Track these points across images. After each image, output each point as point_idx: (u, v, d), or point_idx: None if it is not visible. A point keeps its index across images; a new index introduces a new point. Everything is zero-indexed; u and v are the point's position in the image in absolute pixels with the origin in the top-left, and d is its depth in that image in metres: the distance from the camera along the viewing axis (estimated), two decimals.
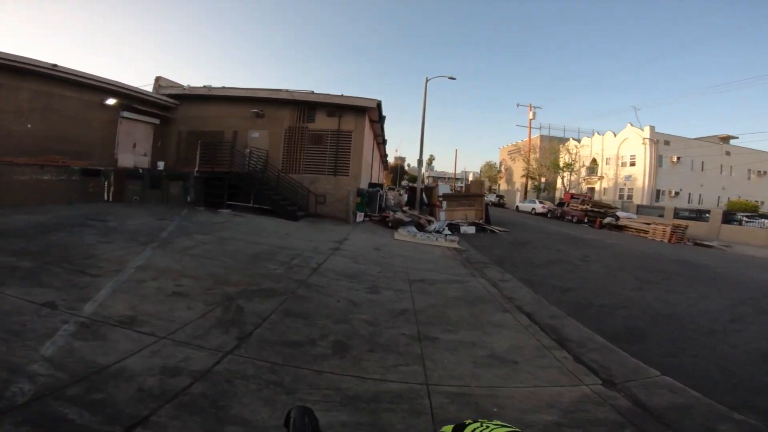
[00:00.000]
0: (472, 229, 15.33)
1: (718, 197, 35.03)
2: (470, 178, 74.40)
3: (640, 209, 28.88)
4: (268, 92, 16.31)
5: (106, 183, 13.86)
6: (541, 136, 44.25)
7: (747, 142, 35.24)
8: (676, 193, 34.21)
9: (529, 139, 40.97)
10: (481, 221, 17.14)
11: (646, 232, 20.80)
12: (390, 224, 14.04)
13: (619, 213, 24.49)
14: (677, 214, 25.80)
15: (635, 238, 19.70)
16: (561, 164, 36.31)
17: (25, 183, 11.51)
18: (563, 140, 43.17)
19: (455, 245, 11.89)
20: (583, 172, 37.93)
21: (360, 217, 14.39)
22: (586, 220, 25.04)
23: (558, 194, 42.05)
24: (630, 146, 35.20)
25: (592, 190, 37.73)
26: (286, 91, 16.41)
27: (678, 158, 34.18)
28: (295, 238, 9.84)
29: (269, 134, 16.53)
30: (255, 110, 16.25)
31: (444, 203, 16.60)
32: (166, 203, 14.93)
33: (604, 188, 37.38)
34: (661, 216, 26.26)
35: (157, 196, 15.00)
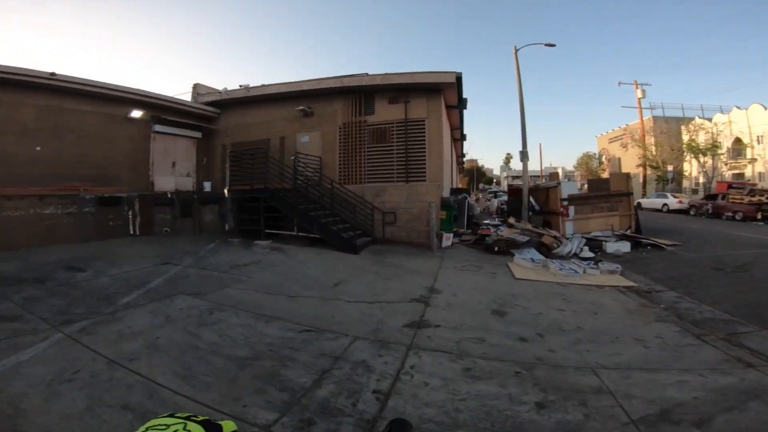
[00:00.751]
0: (624, 246, 9.86)
1: None
2: (560, 174, 65.37)
3: None
4: (313, 83, 12.76)
5: (130, 213, 11.22)
6: (655, 117, 35.68)
7: None
8: None
9: (641, 121, 32.82)
10: (630, 231, 11.48)
11: None
12: (496, 248, 9.26)
13: None
14: None
15: None
16: (698, 145, 27.76)
17: (20, 219, 9.06)
18: (683, 120, 34.20)
19: (625, 280, 6.81)
20: (724, 155, 28.84)
21: (447, 239, 9.85)
22: (759, 217, 17.47)
23: (687, 184, 33.13)
24: None
25: (740, 176, 28.53)
26: (335, 77, 12.68)
27: None
28: (346, 295, 5.69)
29: (321, 135, 12.91)
30: (301, 108, 12.77)
31: (571, 209, 11.31)
32: (199, 233, 11.93)
33: (759, 173, 27.96)
34: None
35: (189, 225, 12.09)
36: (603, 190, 11.68)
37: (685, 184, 33.72)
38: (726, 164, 29.09)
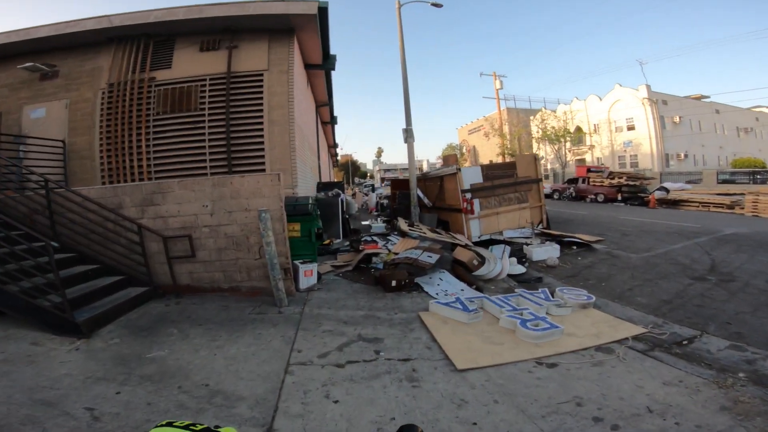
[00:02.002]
0: (554, 250, 7.20)
1: (718, 157, 31.19)
2: (424, 167, 67.27)
3: (665, 177, 22.97)
4: (57, 27, 7.11)
5: None
6: (508, 109, 37.96)
7: (720, 100, 32.52)
8: (685, 156, 29.32)
9: (499, 110, 34.22)
10: (542, 226, 9.11)
11: (727, 206, 14.22)
12: (393, 283, 5.37)
13: (668, 184, 17.91)
14: (721, 178, 20.05)
15: (720, 215, 12.96)
16: (554, 132, 29.68)
17: None
18: (531, 111, 37.27)
19: (619, 322, 3.81)
20: (570, 141, 31.86)
21: (309, 274, 5.49)
22: (619, 198, 18.34)
23: (541, 170, 36.09)
24: (623, 109, 29.81)
25: (582, 161, 31.91)
26: (98, 17, 7.25)
27: (680, 118, 29.35)
28: None
29: (69, 106, 7.23)
30: (30, 65, 6.91)
31: (476, 203, 8.26)
32: None
33: (597, 158, 31.73)
34: (699, 182, 20.43)
35: None
36: (507, 177, 9.10)
37: (540, 170, 36.78)
38: (570, 151, 32.14)
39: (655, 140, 27.86)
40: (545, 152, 33.47)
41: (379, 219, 13.25)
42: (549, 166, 34.25)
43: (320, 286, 5.69)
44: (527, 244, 7.53)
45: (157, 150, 6.90)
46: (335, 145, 24.28)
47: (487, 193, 8.52)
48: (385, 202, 16.57)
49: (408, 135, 9.88)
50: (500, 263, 5.94)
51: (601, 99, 31.59)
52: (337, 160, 33.46)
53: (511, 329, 4.01)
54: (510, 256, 6.67)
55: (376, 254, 6.81)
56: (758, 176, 18.91)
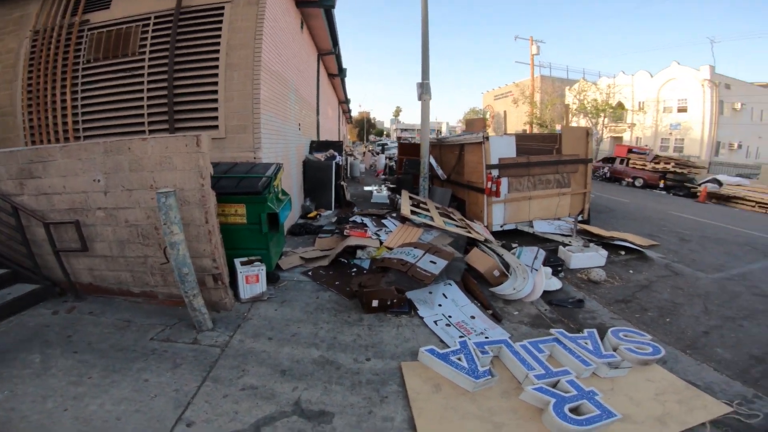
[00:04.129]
0: (599, 258, 5.45)
1: None
2: (443, 131, 63.16)
3: (713, 168, 20.34)
4: None
5: None
6: (542, 77, 34.37)
7: None
8: (738, 146, 26.10)
9: (533, 76, 30.85)
10: (583, 217, 7.26)
11: None
12: (375, 303, 3.74)
13: (722, 177, 15.49)
14: None
15: None
16: (595, 104, 26.55)
17: None
18: (568, 82, 33.64)
19: (699, 396, 2.35)
20: (605, 119, 28.70)
21: (253, 281, 3.81)
22: (661, 186, 16.03)
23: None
24: (678, 89, 26.17)
25: (619, 140, 28.91)
26: None
27: (741, 105, 25.71)
28: None
29: None
30: None
31: (504, 183, 6.42)
32: None
33: (637, 138, 28.63)
34: (754, 177, 17.82)
35: None
36: (546, 152, 7.15)
37: None
38: (606, 127, 29.08)
39: (709, 126, 24.62)
40: (579, 125, 30.45)
41: (384, 186, 11.50)
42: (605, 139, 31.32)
43: (273, 293, 4.08)
44: (564, 245, 5.77)
45: (87, 104, 5.21)
46: (347, 101, 21.86)
47: (520, 171, 6.62)
48: (394, 164, 14.73)
49: (423, 90, 7.84)
50: (531, 279, 4.24)
51: (652, 76, 27.91)
52: (350, 117, 31.08)
53: (538, 408, 2.49)
54: (547, 267, 4.96)
55: (363, 247, 5.16)
56: None
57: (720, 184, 14.71)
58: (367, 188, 11.83)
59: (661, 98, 27.27)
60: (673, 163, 16.13)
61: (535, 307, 4.22)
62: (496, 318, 3.86)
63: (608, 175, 18.71)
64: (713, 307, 4.48)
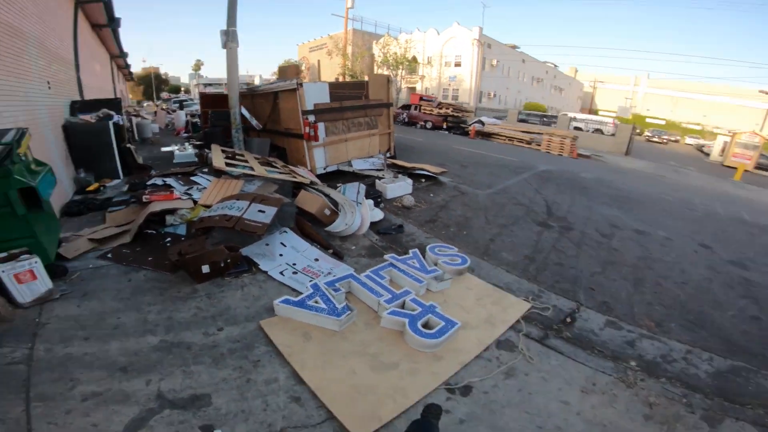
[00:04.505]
0: (406, 186, 6.32)
1: (515, 99, 37.07)
2: (256, 82, 58.54)
3: (478, 112, 25.90)
4: None
5: None
6: (354, 30, 35.38)
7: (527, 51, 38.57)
8: (494, 95, 33.66)
9: (346, 30, 31.39)
10: (390, 154, 8.16)
11: (527, 142, 16.81)
12: (206, 269, 3.30)
13: (484, 118, 19.94)
14: (519, 117, 23.68)
15: (524, 150, 15.18)
16: (397, 57, 29.27)
17: None
18: (376, 36, 35.90)
19: (503, 295, 3.14)
20: (403, 71, 32.31)
21: (29, 277, 2.76)
22: (445, 127, 19.62)
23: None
24: (456, 46, 31.40)
25: (413, 89, 33.13)
26: None
27: (497, 62, 32.83)
28: None
29: None
30: None
31: (321, 128, 6.48)
32: None
33: (426, 88, 33.40)
34: (504, 119, 23.73)
35: None
36: (356, 98, 7.56)
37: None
38: (403, 79, 32.75)
39: (475, 78, 30.87)
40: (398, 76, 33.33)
41: (188, 144, 10.03)
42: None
43: (66, 288, 3.14)
44: (379, 178, 6.43)
45: None
46: (122, 55, 17.29)
47: (335, 116, 6.82)
48: (198, 121, 12.95)
49: (229, 38, 6.90)
50: (359, 212, 4.59)
51: (439, 33, 32.50)
52: (130, 73, 24.98)
53: (397, 330, 2.84)
54: (366, 198, 5.42)
55: (172, 211, 4.46)
56: (545, 119, 23.11)
57: (483, 124, 18.94)
58: (165, 149, 10.07)
59: (444, 54, 32.26)
60: (451, 109, 19.73)
61: (368, 238, 4.63)
62: (338, 256, 4.05)
63: (406, 120, 21.35)
64: (491, 217, 5.84)
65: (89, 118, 6.97)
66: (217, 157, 5.45)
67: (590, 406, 2.36)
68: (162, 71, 50.14)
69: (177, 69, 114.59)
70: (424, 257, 3.91)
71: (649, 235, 5.95)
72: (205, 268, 3.35)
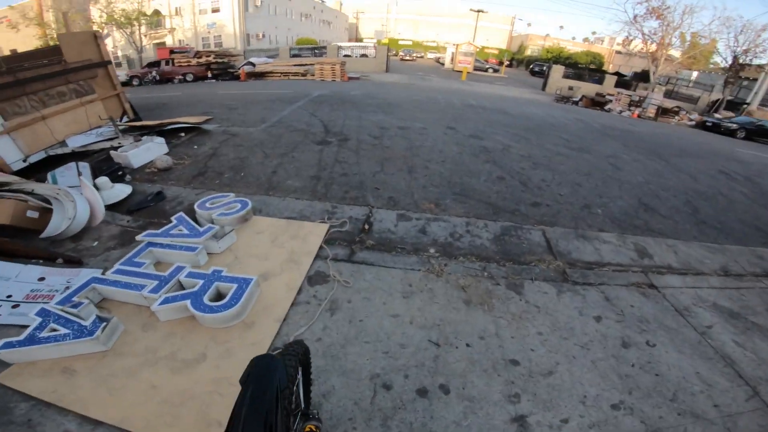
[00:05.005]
0: (160, 145, 5.14)
1: (286, 37, 35.72)
2: None
3: (248, 54, 23.90)
4: None
5: None
6: None
7: None
8: (263, 36, 31.24)
9: None
10: (128, 118, 6.49)
11: (302, 75, 16.68)
12: None
13: (253, 59, 18.47)
14: (292, 53, 22.91)
15: (300, 82, 15.09)
16: (123, 15, 22.87)
17: None
18: None
19: (308, 234, 3.02)
20: (142, 27, 26.26)
21: None
22: (210, 76, 17.51)
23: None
24: None
25: (162, 44, 27.77)
26: None
27: (261, 2, 30.10)
28: None
29: None
30: None
31: None
32: None
33: (179, 41, 28.32)
34: (277, 57, 22.66)
35: None
36: (49, 66, 5.44)
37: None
38: (146, 35, 26.88)
39: (238, 22, 27.82)
40: (114, 39, 26.39)
41: None
42: (120, 53, 27.91)
43: None
44: (115, 148, 5.04)
45: None
46: None
47: (12, 92, 4.75)
48: None
49: None
50: (81, 200, 3.40)
51: None
52: None
53: (187, 317, 2.29)
54: (98, 176, 4.12)
55: None
56: (317, 51, 22.96)
57: (254, 65, 17.60)
58: None
59: (197, 2, 27.56)
60: (213, 56, 17.51)
61: (114, 224, 3.55)
62: (74, 261, 2.94)
63: (158, 78, 17.93)
64: (269, 150, 5.42)
65: None
66: None
67: (417, 310, 2.43)
68: None
69: None
70: (195, 218, 3.26)
71: (409, 128, 6.71)
72: None
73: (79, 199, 3.50)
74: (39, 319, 2.20)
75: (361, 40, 48.34)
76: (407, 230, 3.45)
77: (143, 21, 24.75)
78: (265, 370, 0.87)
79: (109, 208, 3.84)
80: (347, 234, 3.29)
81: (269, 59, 19.52)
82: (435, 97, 10.95)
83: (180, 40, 28.14)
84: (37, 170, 5.04)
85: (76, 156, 5.23)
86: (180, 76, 17.40)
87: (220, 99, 10.11)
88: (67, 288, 2.64)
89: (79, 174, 4.21)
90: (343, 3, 56.85)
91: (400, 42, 52.57)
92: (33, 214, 3.35)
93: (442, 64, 32.79)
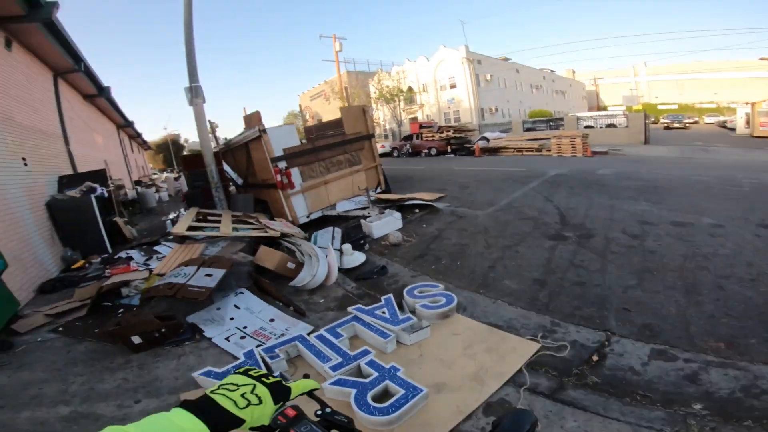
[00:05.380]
0: (395, 220, 5.67)
1: (519, 110, 36.60)
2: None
3: (482, 129, 25.44)
4: None
5: None
6: (348, 72, 36.65)
7: (519, 61, 39.42)
8: (496, 110, 33.35)
9: (339, 72, 32.50)
10: (381, 189, 7.64)
11: (536, 149, 16.04)
12: (137, 340, 2.92)
13: (487, 134, 19.36)
14: (525, 127, 22.99)
15: (534, 158, 14.35)
16: (389, 91, 29.81)
17: None
18: (370, 74, 36.91)
19: (511, 351, 2.27)
20: (404, 101, 32.66)
21: None
22: (449, 150, 19.08)
23: (379, 131, 36.44)
24: (447, 68, 31.75)
25: (414, 119, 33.34)
26: None
27: (491, 76, 32.86)
28: None
29: None
30: None
31: (295, 173, 6.08)
32: None
33: (427, 115, 33.49)
34: (510, 131, 23.08)
35: None
36: (331, 136, 7.21)
37: (378, 131, 37.16)
38: (404, 110, 33.06)
39: (472, 96, 30.75)
40: (384, 113, 33.67)
41: (184, 211, 9.88)
42: (387, 126, 34.87)
43: (7, 359, 3.21)
44: (366, 217, 5.85)
45: None
46: (128, 123, 18.17)
47: (309, 158, 6.42)
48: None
49: (194, 94, 6.81)
50: (324, 261, 3.99)
51: (428, 59, 33.04)
52: (144, 142, 26.33)
53: (344, 401, 2.17)
54: (345, 242, 4.84)
55: (127, 282, 4.04)
56: (552, 123, 22.26)
57: (487, 140, 18.36)
58: (171, 216, 9.99)
59: (437, 78, 32.53)
60: (452, 131, 19.37)
61: (342, 287, 4.02)
62: (300, 312, 3.49)
63: (410, 150, 20.99)
64: (492, 239, 5.04)
65: (74, 193, 6.91)
66: (181, 222, 5.08)
67: None
68: (183, 137, 52.47)
69: (194, 134, 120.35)
70: (402, 302, 3.24)
71: (691, 225, 4.98)
72: (136, 339, 3.03)
73: (323, 261, 4.06)
74: (242, 359, 2.60)
75: (604, 108, 43.89)
76: (664, 373, 2.30)
77: (402, 97, 30.60)
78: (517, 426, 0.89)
79: (345, 271, 4.35)
80: (562, 362, 2.48)
81: (502, 134, 20.05)
82: (731, 176, 8.06)
83: (427, 115, 33.14)
84: (312, 226, 6.46)
85: (339, 219, 6.40)
86: (426, 150, 19.85)
87: (456, 176, 10.72)
88: (282, 335, 3.02)
89: (333, 238, 5.00)
90: (575, 71, 54.03)
91: (660, 107, 44.63)
92: (291, 265, 4.09)
93: (732, 129, 24.62)
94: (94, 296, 3.90)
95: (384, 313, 3.07)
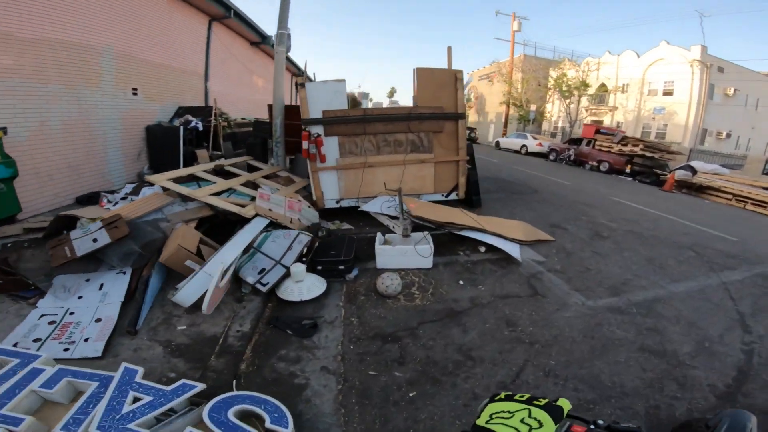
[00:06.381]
0: (422, 260, 3.70)
1: (766, 143, 25.28)
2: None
3: (695, 155, 18.44)
4: None
5: None
6: (525, 56, 32.13)
7: None
8: (727, 135, 23.99)
9: (512, 55, 28.75)
10: (458, 194, 5.47)
11: None
12: None
13: (696, 163, 13.64)
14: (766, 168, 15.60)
15: (764, 220, 8.79)
16: (567, 81, 24.54)
17: None
18: (553, 62, 31.39)
19: None
20: (584, 100, 26.49)
21: None
22: (628, 171, 14.13)
23: (547, 126, 31.13)
24: (665, 70, 23.66)
25: (599, 123, 26.87)
26: None
27: (735, 91, 23.38)
28: None
29: None
30: None
31: (332, 144, 4.64)
32: None
33: (618, 122, 26.50)
34: (739, 168, 15.98)
35: None
36: (405, 109, 5.25)
37: (545, 126, 31.70)
38: (587, 110, 27.06)
39: (696, 111, 22.51)
40: (558, 108, 28.45)
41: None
42: (560, 124, 29.47)
43: None
44: (391, 230, 4.05)
45: None
46: (300, 73, 19.97)
47: (354, 127, 4.80)
48: None
49: (278, 41, 6.06)
50: (203, 281, 2.56)
51: (638, 56, 25.61)
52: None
53: None
54: (309, 257, 3.25)
55: (78, 218, 3.55)
56: None
57: (694, 171, 12.87)
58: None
59: (646, 80, 25.10)
60: (641, 145, 14.25)
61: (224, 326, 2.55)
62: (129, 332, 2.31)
63: (573, 158, 16.76)
64: (534, 370, 2.57)
65: (179, 122, 7.35)
66: (167, 174, 4.33)
67: None
68: (359, 93, 55.70)
69: (378, 95, 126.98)
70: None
71: None
72: None
73: (200, 276, 2.65)
74: None
75: None
76: None
77: (584, 92, 24.83)
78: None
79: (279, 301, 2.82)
80: None
81: (724, 169, 13.65)
82: None
83: (618, 122, 26.27)
84: (338, 215, 5.03)
85: (369, 218, 4.74)
86: (594, 162, 15.43)
87: (604, 210, 7.36)
88: (86, 341, 1.78)
89: (289, 248, 3.42)
90: None
91: None
92: (189, 263, 2.83)
93: None
94: (50, 224, 3.61)
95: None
